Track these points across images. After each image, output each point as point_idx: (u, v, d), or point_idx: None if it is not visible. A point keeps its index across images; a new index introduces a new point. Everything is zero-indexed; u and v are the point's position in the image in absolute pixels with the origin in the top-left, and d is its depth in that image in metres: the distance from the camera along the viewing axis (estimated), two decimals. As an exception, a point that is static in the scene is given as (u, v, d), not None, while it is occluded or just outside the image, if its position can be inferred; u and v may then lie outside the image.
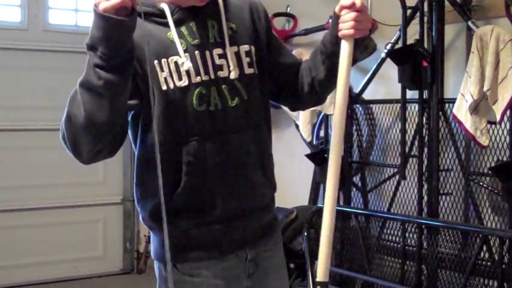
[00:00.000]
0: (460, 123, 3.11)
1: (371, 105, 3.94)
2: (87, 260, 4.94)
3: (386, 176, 3.79)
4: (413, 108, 3.56)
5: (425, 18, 3.44)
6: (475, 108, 3.04)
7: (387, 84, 3.89)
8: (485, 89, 2.98)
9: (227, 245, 1.58)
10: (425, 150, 3.44)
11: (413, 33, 3.55)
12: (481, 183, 3.28)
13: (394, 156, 3.77)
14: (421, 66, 3.34)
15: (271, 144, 1.67)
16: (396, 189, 3.64)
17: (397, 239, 3.47)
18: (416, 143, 3.52)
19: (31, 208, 4.73)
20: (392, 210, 3.67)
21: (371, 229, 3.73)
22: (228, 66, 1.53)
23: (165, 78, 1.48)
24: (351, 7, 1.49)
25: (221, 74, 1.53)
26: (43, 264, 4.74)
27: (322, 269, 1.50)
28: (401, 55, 3.45)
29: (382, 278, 3.49)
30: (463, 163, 3.34)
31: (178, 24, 1.50)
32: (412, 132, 3.55)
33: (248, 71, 1.57)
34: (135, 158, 1.57)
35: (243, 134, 1.55)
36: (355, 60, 1.55)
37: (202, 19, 1.53)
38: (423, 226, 3.33)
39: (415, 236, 3.39)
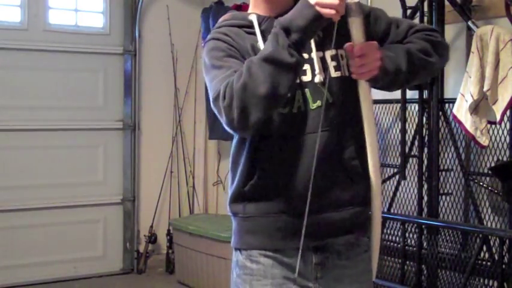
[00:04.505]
0: (460, 123, 3.11)
1: (371, 105, 3.93)
2: (87, 260, 4.94)
3: (387, 176, 3.79)
4: (413, 108, 3.55)
5: (425, 18, 3.44)
6: (475, 108, 3.04)
7: (387, 84, 3.88)
8: (485, 89, 2.98)
9: (291, 236, 1.61)
10: (425, 150, 3.44)
11: (413, 33, 3.54)
12: (481, 183, 3.28)
13: (394, 156, 3.76)
14: (421, 66, 3.34)
15: (362, 144, 1.65)
16: (396, 189, 3.64)
17: (397, 239, 3.47)
18: (416, 143, 3.52)
19: (31, 208, 4.73)
20: (392, 210, 3.67)
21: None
22: (313, 71, 1.62)
23: None
24: (350, 51, 1.57)
25: (304, 78, 1.62)
26: (43, 264, 4.74)
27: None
28: (401, 55, 3.45)
29: (382, 278, 3.49)
30: (463, 163, 3.34)
31: (265, 33, 1.61)
32: (412, 132, 3.55)
33: (335, 74, 1.64)
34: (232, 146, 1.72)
35: (322, 136, 1.58)
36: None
37: None
38: (423, 226, 3.33)
39: (415, 236, 3.39)
